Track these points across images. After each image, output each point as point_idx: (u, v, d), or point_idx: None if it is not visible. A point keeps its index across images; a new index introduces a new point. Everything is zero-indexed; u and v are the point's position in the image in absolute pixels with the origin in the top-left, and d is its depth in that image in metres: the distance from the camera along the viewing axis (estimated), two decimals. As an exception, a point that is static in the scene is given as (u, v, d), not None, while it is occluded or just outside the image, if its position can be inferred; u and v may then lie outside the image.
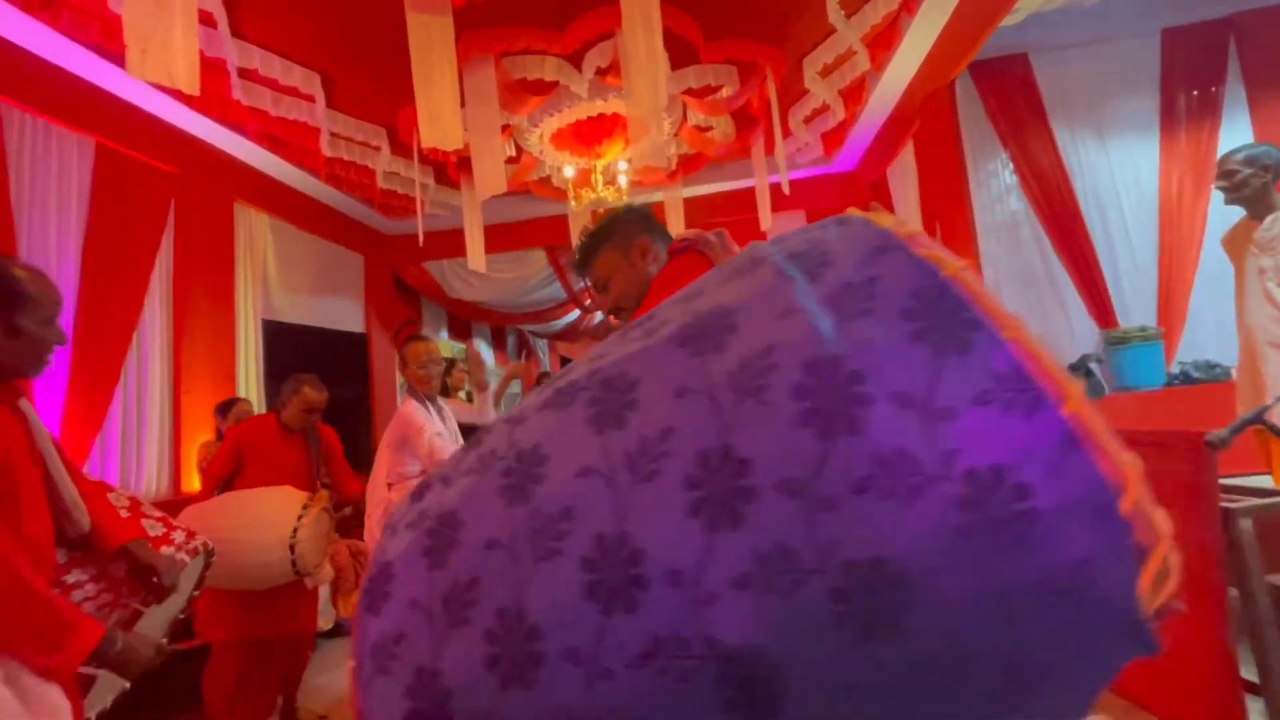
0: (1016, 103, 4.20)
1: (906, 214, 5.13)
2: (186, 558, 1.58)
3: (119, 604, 1.41)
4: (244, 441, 2.74)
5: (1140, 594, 0.45)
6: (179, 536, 1.61)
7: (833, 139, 5.50)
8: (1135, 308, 3.95)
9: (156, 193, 4.13)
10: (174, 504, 2.96)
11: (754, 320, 0.52)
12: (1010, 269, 4.12)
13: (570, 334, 10.42)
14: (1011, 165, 4.19)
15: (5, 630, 1.05)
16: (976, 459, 0.43)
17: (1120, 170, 4.12)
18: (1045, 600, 0.43)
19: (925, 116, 4.55)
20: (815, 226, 0.62)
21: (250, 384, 4.69)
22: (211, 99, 3.91)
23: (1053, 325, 4.01)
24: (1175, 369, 3.83)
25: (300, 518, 2.34)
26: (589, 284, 1.52)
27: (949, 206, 4.37)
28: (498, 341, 10.54)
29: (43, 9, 3.03)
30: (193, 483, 3.98)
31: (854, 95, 4.77)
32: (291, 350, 5.12)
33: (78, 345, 3.47)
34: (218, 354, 4.48)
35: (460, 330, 8.94)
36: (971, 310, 0.47)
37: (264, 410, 4.26)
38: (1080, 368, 3.76)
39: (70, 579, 1.33)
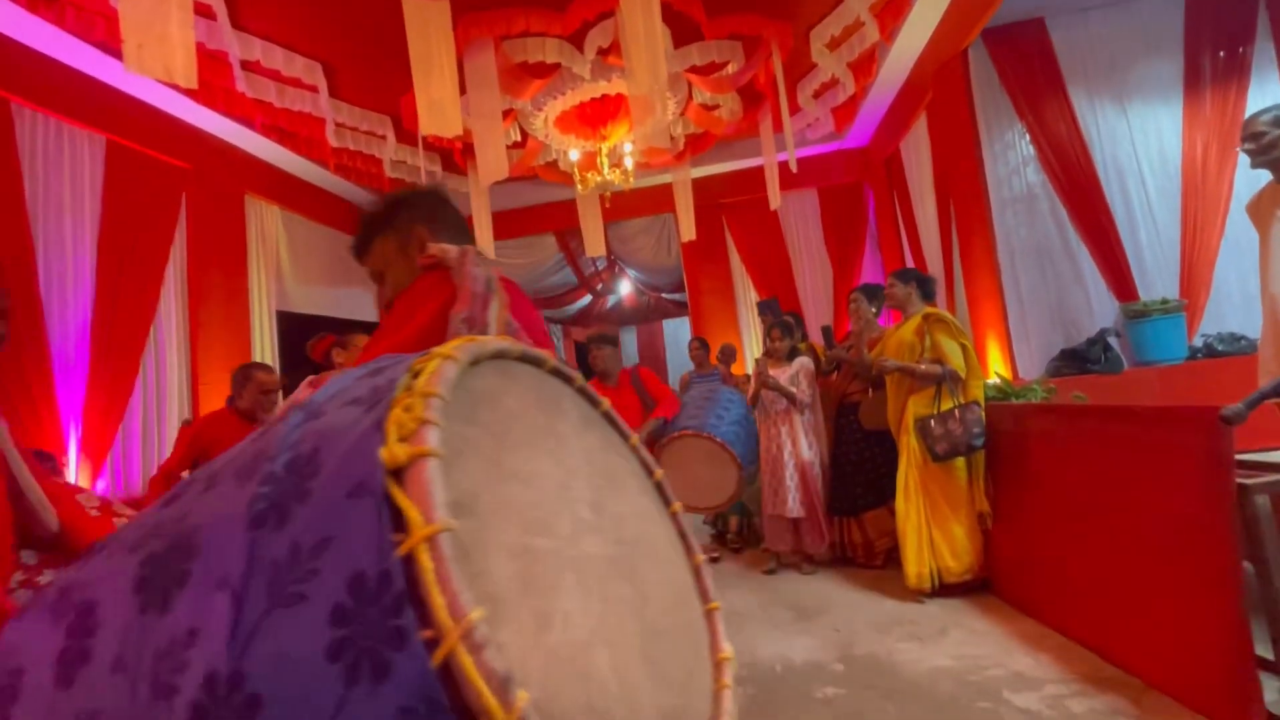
0: (1033, 70, 4.06)
1: (920, 190, 5.03)
2: None
3: None
4: (206, 436, 2.75)
5: None
6: None
7: (844, 113, 5.38)
8: (1157, 279, 3.83)
9: (168, 187, 4.18)
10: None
11: (204, 575, 0.43)
12: (1027, 243, 4.01)
13: (584, 319, 10.44)
14: (1028, 135, 4.06)
15: None
16: None
17: (1142, 137, 3.97)
18: None
19: (938, 87, 4.43)
20: (358, 389, 0.50)
21: (267, 374, 4.77)
22: (217, 92, 3.94)
23: (1070, 299, 3.91)
24: (1198, 342, 3.72)
25: None
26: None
27: (963, 180, 4.26)
28: (512, 328, 10.59)
29: (46, 7, 3.06)
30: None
31: (864, 67, 4.65)
32: (305, 339, 5.18)
33: (96, 339, 3.56)
34: (234, 345, 4.56)
35: (474, 317, 9.00)
36: (406, 615, 0.36)
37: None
38: (1098, 343, 3.67)
39: (42, 579, 1.35)
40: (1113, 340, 3.69)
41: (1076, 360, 3.70)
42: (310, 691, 0.36)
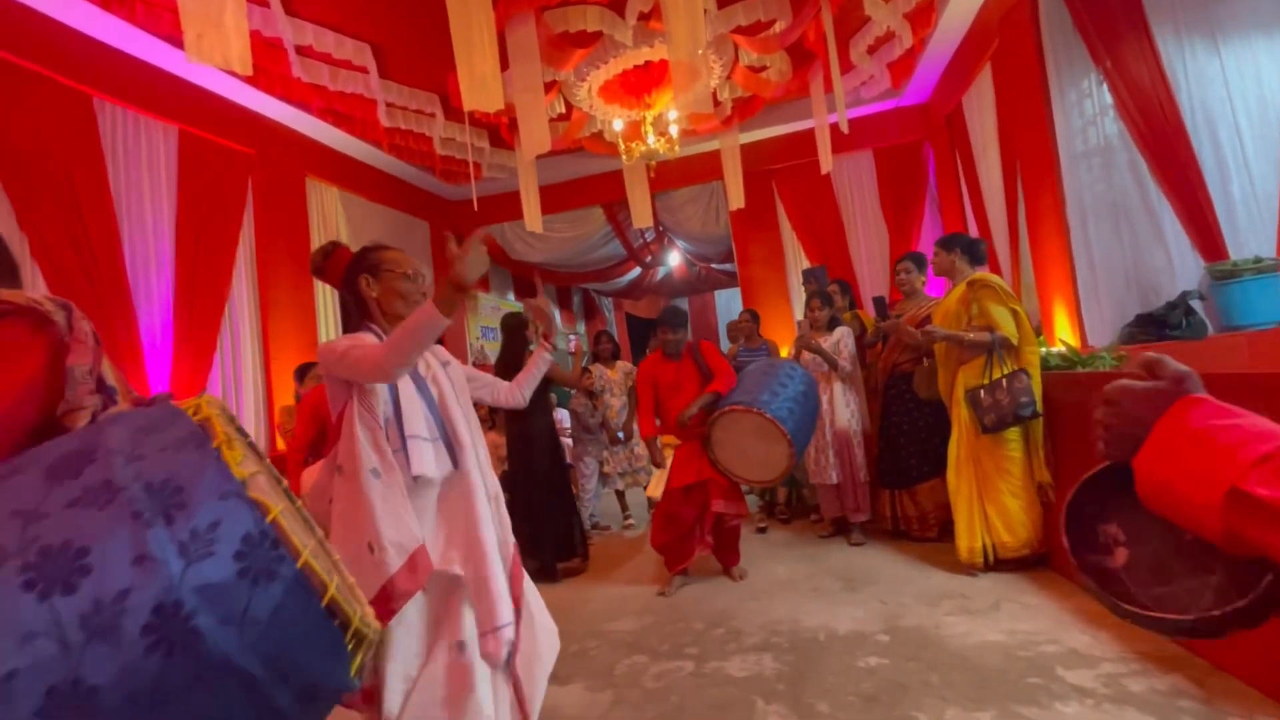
0: (1111, 8, 3.70)
1: (984, 147, 4.74)
2: None
3: None
4: (324, 409, 2.91)
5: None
6: None
7: (900, 69, 5.10)
8: (1250, 237, 3.49)
9: (236, 172, 4.41)
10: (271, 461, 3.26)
11: (109, 563, 0.62)
12: (1101, 200, 3.72)
13: (634, 291, 10.45)
14: (1105, 82, 3.73)
15: None
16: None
17: (1237, 79, 3.58)
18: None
19: (1004, 34, 4.13)
20: (171, 441, 0.74)
21: (331, 349, 5.03)
22: (275, 78, 4.10)
23: (1148, 260, 3.62)
24: (1297, 304, 3.39)
25: None
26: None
27: (1031, 134, 3.99)
28: (564, 301, 10.72)
29: (118, 4, 3.25)
30: (281, 442, 4.35)
31: (922, 18, 4.38)
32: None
33: (179, 320, 3.83)
34: (301, 322, 4.82)
35: (526, 292, 9.14)
36: (279, 548, 0.68)
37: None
38: (1179, 306, 3.40)
39: None
40: (1196, 303, 3.41)
41: (1154, 326, 3.44)
42: (229, 597, 0.64)
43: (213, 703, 0.63)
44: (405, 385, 1.59)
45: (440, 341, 1.65)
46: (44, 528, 0.64)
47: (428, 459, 1.54)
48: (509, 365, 3.87)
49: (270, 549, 0.67)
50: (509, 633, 1.56)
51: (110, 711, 0.59)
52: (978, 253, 3.26)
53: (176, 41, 3.57)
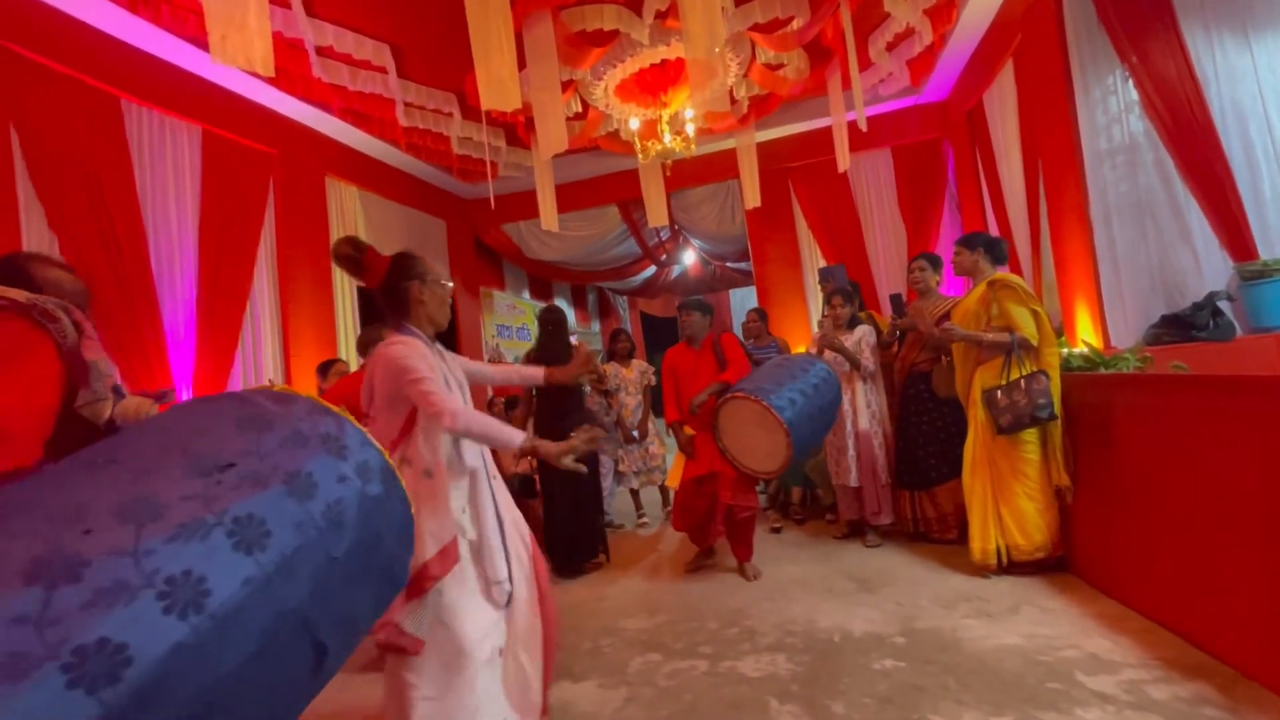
0: (1137, 3, 3.63)
1: (1005, 145, 4.67)
2: None
3: None
4: (350, 395, 2.87)
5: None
6: None
7: (920, 66, 5.04)
8: (1281, 236, 3.41)
9: (258, 172, 4.48)
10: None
11: (325, 479, 1.01)
12: (1126, 198, 3.65)
13: (649, 290, 10.45)
14: (1130, 78, 3.66)
15: None
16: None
17: (1269, 75, 3.49)
18: None
19: (1027, 29, 4.07)
20: (309, 408, 1.12)
21: (350, 348, 5.10)
22: (296, 79, 4.16)
23: (1174, 260, 3.54)
24: (1330, 305, 3.30)
25: None
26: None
27: (1054, 132, 3.93)
28: (579, 300, 10.75)
29: (144, 6, 3.31)
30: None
31: (943, 14, 4.33)
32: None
33: (202, 316, 3.90)
34: (320, 319, 4.88)
35: (541, 290, 9.18)
36: (398, 480, 1.18)
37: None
38: (1206, 307, 3.32)
39: None
40: (1224, 304, 3.34)
41: (1180, 327, 3.38)
42: (384, 505, 1.08)
43: (377, 549, 1.06)
44: (458, 394, 1.88)
45: (457, 339, 1.89)
46: (267, 462, 0.94)
47: (474, 454, 1.89)
48: (548, 362, 3.92)
49: (394, 478, 1.13)
50: (507, 586, 1.88)
51: (344, 568, 0.97)
52: (999, 252, 3.22)
53: (201, 43, 3.63)
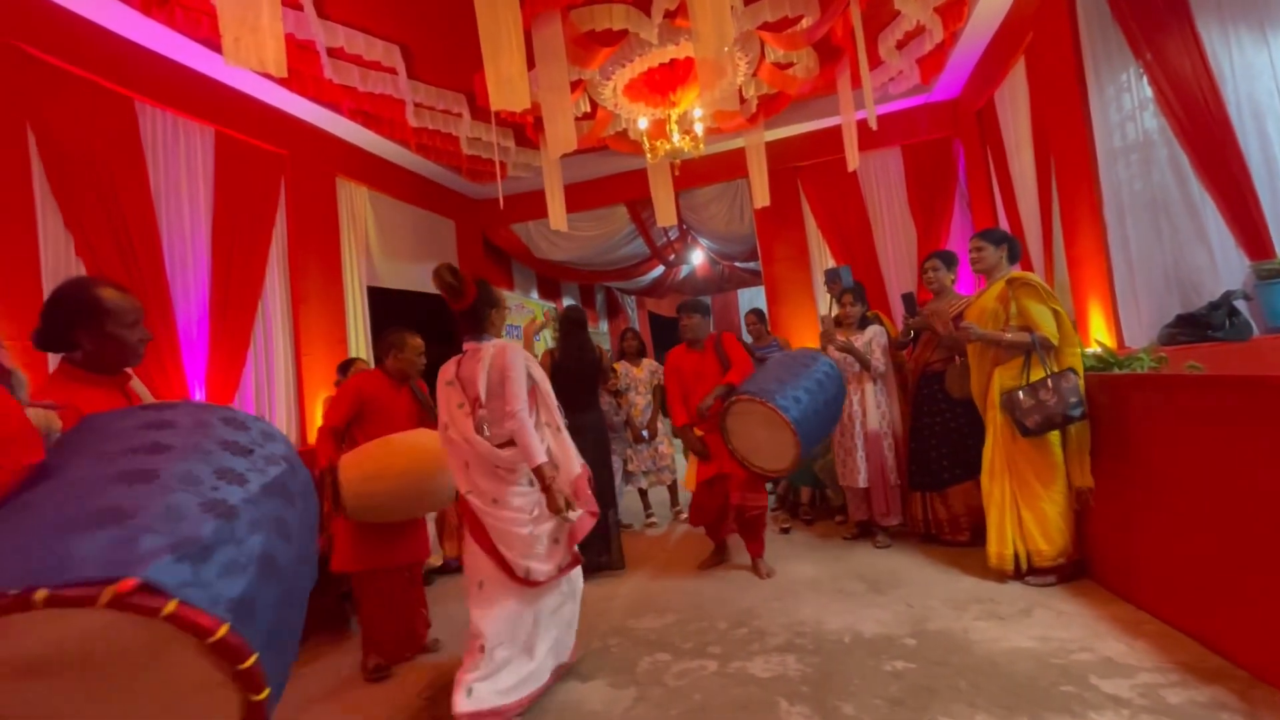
0: None
1: (1016, 143, 4.64)
2: None
3: None
4: (366, 391, 2.92)
5: None
6: None
7: (930, 64, 5.01)
8: (1299, 234, 3.36)
9: (269, 173, 4.51)
10: (300, 456, 3.33)
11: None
12: (1140, 197, 3.61)
13: (657, 289, 10.44)
14: (1145, 75, 3.62)
15: None
16: None
17: (1288, 70, 3.45)
18: None
19: (1039, 27, 4.04)
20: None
21: (360, 347, 5.13)
22: (308, 80, 4.18)
23: (1190, 259, 3.50)
24: (1349, 305, 3.25)
25: None
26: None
27: (1066, 130, 3.89)
28: (587, 300, 10.76)
29: (158, 8, 3.34)
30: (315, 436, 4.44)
31: (954, 12, 4.30)
32: (393, 314, 5.50)
33: (214, 316, 3.93)
34: (330, 319, 4.91)
35: (549, 290, 9.19)
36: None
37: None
38: (1222, 307, 3.28)
39: None
40: (1240, 304, 3.29)
41: (1195, 326, 3.33)
42: (236, 462, 1.22)
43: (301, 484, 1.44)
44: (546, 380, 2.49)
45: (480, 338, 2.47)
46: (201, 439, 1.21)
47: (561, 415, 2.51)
48: (569, 358, 4.02)
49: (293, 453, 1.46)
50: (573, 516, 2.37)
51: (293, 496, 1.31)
52: (1017, 251, 3.19)
53: (214, 45, 3.66)
